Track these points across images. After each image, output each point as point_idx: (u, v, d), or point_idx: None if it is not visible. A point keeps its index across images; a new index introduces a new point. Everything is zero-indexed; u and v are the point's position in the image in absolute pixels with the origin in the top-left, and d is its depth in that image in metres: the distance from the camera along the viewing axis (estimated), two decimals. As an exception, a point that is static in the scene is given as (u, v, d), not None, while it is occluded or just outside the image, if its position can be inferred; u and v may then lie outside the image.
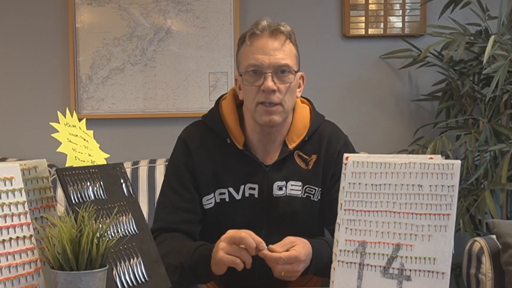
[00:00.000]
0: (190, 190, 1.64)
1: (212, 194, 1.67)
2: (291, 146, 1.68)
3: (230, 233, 1.46)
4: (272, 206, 1.67)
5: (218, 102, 1.75)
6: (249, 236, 1.41)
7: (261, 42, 1.61)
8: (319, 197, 1.68)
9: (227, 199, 1.67)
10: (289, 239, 1.47)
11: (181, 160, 1.65)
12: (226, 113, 1.70)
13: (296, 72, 1.63)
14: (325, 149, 1.69)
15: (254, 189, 1.67)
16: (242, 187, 1.67)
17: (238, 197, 1.67)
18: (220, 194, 1.68)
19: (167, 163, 2.73)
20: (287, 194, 1.67)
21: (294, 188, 1.68)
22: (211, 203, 1.67)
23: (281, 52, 1.61)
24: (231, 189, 1.67)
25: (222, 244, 1.45)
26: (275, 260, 1.43)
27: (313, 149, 1.69)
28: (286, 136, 1.68)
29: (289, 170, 1.68)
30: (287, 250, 1.45)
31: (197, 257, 1.52)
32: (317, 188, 1.68)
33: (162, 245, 1.58)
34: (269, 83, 1.58)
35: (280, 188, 1.67)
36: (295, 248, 1.44)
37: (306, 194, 1.68)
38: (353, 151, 1.72)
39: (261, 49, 1.60)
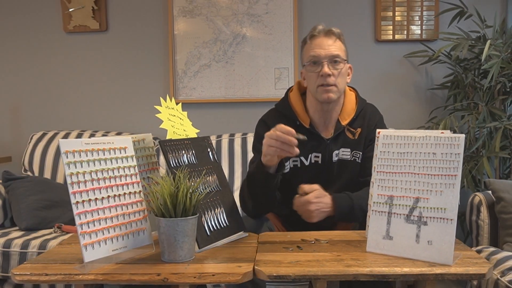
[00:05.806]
0: None
1: (288, 162, 1.75)
2: (344, 122, 1.75)
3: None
4: (330, 168, 1.75)
5: (287, 93, 1.82)
6: (282, 134, 1.45)
7: (318, 40, 1.69)
8: (360, 159, 1.77)
9: (299, 165, 1.75)
10: (314, 187, 1.60)
11: (264, 135, 1.59)
12: (294, 102, 1.78)
13: (345, 61, 1.70)
14: (367, 124, 1.77)
15: (318, 157, 1.74)
16: (310, 155, 1.74)
17: (306, 163, 1.75)
18: (293, 161, 1.75)
19: (243, 136, 2.95)
20: (340, 158, 1.75)
21: (344, 153, 1.75)
22: (287, 168, 1.74)
23: (333, 46, 1.68)
24: (302, 158, 1.75)
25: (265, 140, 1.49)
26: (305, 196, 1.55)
27: (359, 124, 1.77)
28: (339, 115, 1.76)
29: (342, 141, 1.75)
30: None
31: (255, 164, 1.61)
32: (360, 153, 1.76)
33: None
34: (326, 69, 1.65)
35: (336, 155, 1.74)
36: (309, 195, 1.58)
37: (353, 157, 1.76)
38: (385, 127, 1.81)
39: (318, 45, 1.68)
